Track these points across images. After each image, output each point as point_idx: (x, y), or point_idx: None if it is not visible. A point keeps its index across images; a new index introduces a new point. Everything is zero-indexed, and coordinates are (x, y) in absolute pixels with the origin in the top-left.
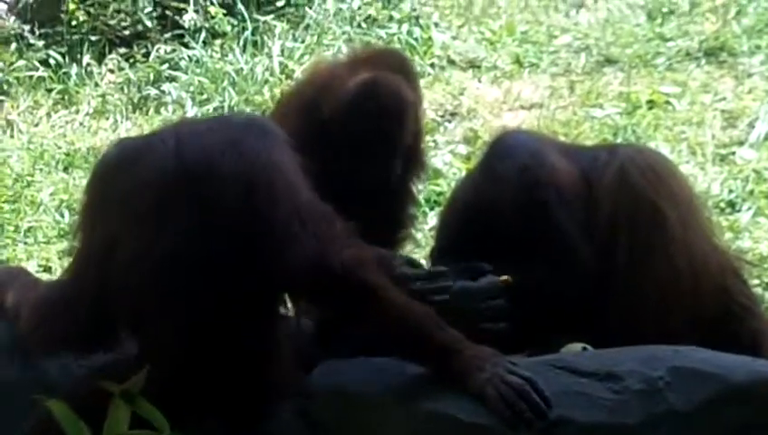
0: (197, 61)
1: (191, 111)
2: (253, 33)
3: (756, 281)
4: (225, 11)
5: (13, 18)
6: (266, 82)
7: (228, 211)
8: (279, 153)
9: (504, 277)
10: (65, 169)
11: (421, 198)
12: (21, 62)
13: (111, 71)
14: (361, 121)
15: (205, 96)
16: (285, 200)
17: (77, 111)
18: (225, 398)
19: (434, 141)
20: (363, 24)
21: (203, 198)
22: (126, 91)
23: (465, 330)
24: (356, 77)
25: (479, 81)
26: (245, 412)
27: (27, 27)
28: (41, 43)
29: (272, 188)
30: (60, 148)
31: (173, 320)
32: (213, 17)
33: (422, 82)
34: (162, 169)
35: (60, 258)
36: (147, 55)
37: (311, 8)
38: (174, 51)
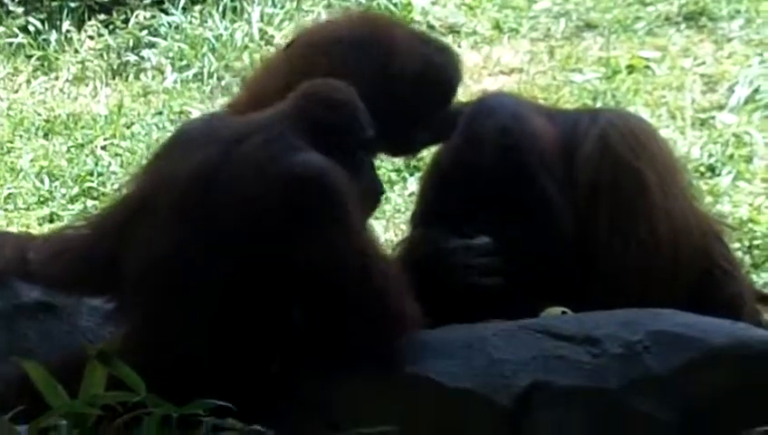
0: (177, 27)
1: (171, 77)
2: None
3: (737, 244)
4: None
5: None
6: (246, 47)
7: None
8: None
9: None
10: (45, 136)
11: (400, 163)
12: (0, 29)
13: (91, 37)
14: (441, 86)
15: (184, 62)
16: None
17: (57, 78)
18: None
19: None
20: None
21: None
22: (105, 57)
23: (459, 285)
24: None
25: (459, 46)
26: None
27: None
28: (20, 10)
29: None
30: (39, 114)
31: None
32: None
33: None
34: (194, 174)
35: (40, 225)
36: (126, 21)
37: None
38: (153, 17)
